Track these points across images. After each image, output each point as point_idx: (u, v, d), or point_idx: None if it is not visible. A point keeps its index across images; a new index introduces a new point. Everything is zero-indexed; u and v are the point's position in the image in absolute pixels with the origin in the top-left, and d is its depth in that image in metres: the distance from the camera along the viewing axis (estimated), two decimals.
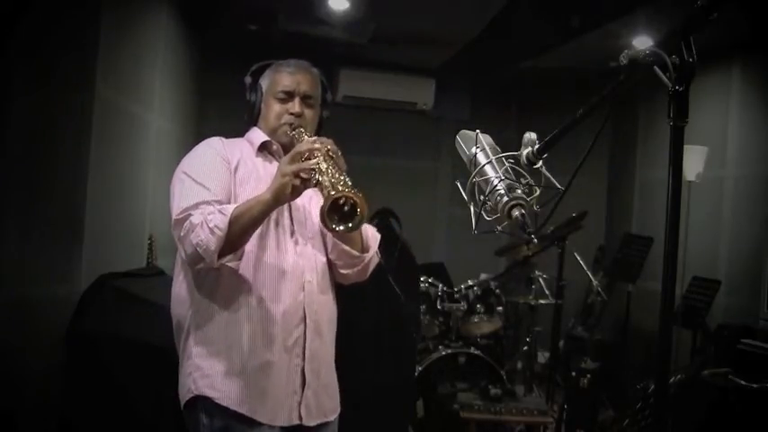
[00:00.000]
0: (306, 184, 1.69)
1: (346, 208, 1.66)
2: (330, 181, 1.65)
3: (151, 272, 3.43)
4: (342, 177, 1.67)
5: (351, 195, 1.62)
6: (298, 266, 1.85)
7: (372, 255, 1.96)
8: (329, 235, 1.91)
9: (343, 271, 1.95)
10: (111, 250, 3.27)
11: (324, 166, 1.69)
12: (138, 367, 2.55)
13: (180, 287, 1.89)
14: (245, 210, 1.70)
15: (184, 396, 1.83)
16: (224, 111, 4.81)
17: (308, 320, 1.85)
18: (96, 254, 3.02)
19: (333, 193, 1.60)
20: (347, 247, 1.90)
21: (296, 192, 1.69)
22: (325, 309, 1.92)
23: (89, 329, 2.68)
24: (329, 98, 2.08)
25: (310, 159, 1.70)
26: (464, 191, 1.26)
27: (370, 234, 1.98)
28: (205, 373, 1.79)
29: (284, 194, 1.69)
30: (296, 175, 1.67)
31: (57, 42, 2.71)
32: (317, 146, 1.73)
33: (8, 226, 2.54)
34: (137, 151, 3.68)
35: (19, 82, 2.54)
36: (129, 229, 3.63)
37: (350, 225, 1.66)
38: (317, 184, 1.67)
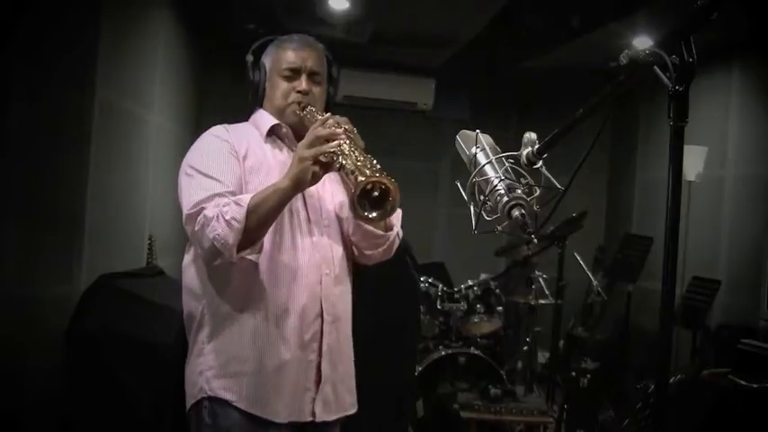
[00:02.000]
0: (327, 168, 1.63)
1: (376, 193, 1.57)
2: (356, 164, 1.56)
3: (151, 272, 3.43)
4: (367, 160, 1.58)
5: (383, 180, 1.54)
6: (314, 259, 1.77)
7: (396, 233, 1.89)
8: (348, 218, 1.85)
9: (367, 252, 1.87)
10: (111, 250, 3.27)
11: (346, 147, 1.60)
12: (138, 367, 2.55)
13: (191, 279, 1.80)
14: (262, 199, 1.62)
15: (195, 395, 1.75)
16: (224, 110, 4.81)
17: (324, 315, 1.77)
18: (96, 254, 3.02)
19: (362, 179, 1.52)
20: (371, 228, 1.81)
21: (316, 177, 1.63)
22: (342, 300, 1.85)
23: (89, 329, 2.68)
24: (335, 73, 1.97)
25: (331, 142, 1.62)
26: (464, 191, 1.26)
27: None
28: (218, 373, 1.72)
29: (304, 181, 1.62)
30: (316, 159, 1.60)
31: (57, 43, 2.71)
32: (337, 129, 1.64)
33: (8, 226, 2.54)
34: (137, 151, 3.68)
35: (19, 82, 2.54)
36: (129, 229, 3.64)
37: (382, 211, 1.58)
38: (341, 168, 1.59)
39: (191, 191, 1.70)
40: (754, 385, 3.24)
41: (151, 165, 3.87)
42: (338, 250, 1.84)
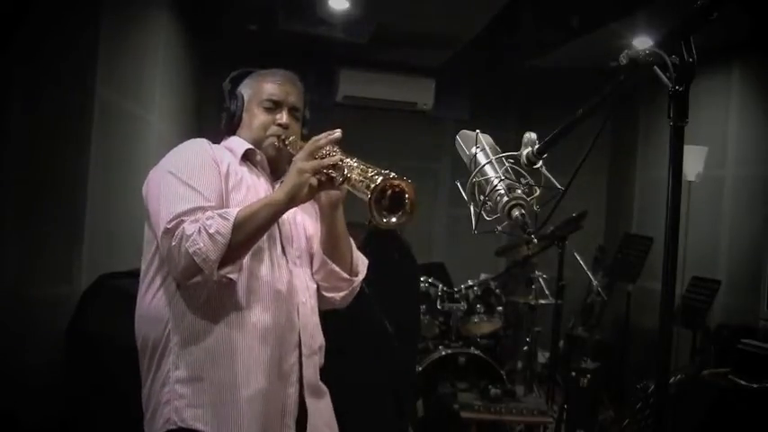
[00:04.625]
0: (325, 184, 1.55)
1: (386, 200, 1.47)
2: (364, 174, 1.48)
3: None
4: (373, 167, 1.50)
5: (398, 182, 1.45)
6: (292, 285, 1.70)
7: (360, 280, 1.82)
8: (317, 253, 1.79)
9: (327, 294, 1.81)
10: (111, 250, 3.27)
11: (349, 160, 1.53)
12: (137, 366, 2.55)
13: (151, 302, 1.68)
14: (251, 213, 1.52)
15: (158, 427, 1.62)
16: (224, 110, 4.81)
17: (302, 347, 1.69)
18: (96, 254, 3.02)
19: (379, 180, 1.43)
20: (337, 268, 1.76)
21: (312, 193, 1.54)
22: (318, 333, 1.77)
23: (89, 329, 2.68)
24: (308, 115, 1.90)
25: (331, 157, 1.54)
26: (464, 191, 1.26)
27: (360, 259, 1.84)
28: (190, 402, 1.59)
29: (300, 195, 1.53)
30: (316, 172, 1.52)
31: (57, 44, 2.71)
32: (336, 136, 1.57)
33: (8, 226, 2.54)
34: (137, 152, 3.68)
35: (19, 82, 2.54)
36: (129, 229, 3.63)
37: (401, 213, 1.48)
38: (345, 181, 1.51)
39: (170, 200, 1.56)
40: (754, 385, 3.24)
41: (151, 165, 3.86)
42: (311, 282, 1.78)
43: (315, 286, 1.80)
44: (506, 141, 1.36)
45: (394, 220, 1.48)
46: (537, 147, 1.24)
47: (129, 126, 3.54)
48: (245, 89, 1.84)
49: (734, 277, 4.58)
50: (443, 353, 4.13)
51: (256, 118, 1.79)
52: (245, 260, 1.61)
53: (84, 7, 2.88)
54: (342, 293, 1.81)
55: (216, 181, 1.63)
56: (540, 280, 4.79)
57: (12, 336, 2.52)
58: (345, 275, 1.78)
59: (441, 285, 4.43)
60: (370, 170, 1.50)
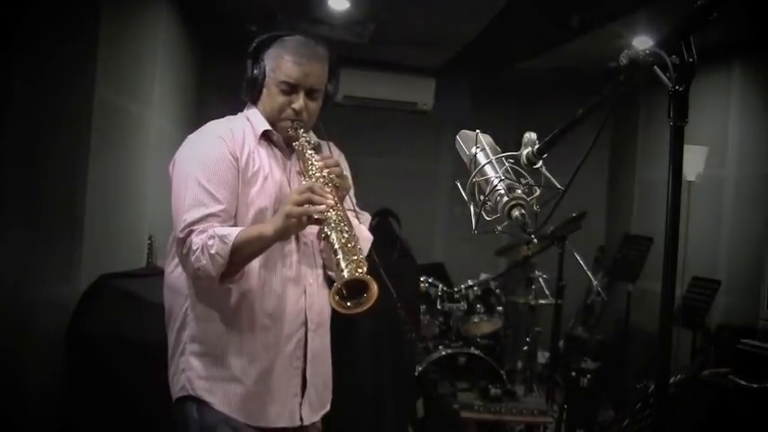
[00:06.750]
0: (312, 221, 1.66)
1: (348, 287, 1.56)
2: (341, 242, 1.58)
3: (151, 272, 3.42)
4: (352, 238, 1.60)
5: (365, 280, 1.53)
6: (301, 270, 1.84)
7: None
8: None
9: (330, 273, 1.91)
10: (111, 250, 3.27)
11: (333, 215, 1.63)
12: (138, 367, 2.55)
13: (176, 278, 1.83)
14: (246, 241, 1.67)
15: (176, 392, 1.81)
16: (224, 108, 4.81)
17: (308, 323, 1.84)
18: (96, 254, 3.02)
19: (346, 274, 1.52)
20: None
21: (300, 229, 1.70)
22: (324, 305, 1.89)
23: (89, 330, 2.68)
24: (336, 75, 1.93)
25: (319, 206, 1.64)
26: (464, 191, 1.26)
27: (364, 235, 1.90)
28: (200, 374, 1.77)
29: (288, 234, 1.71)
30: (302, 217, 1.64)
31: (56, 41, 2.71)
32: (328, 200, 1.65)
33: (8, 226, 2.54)
34: (136, 150, 3.68)
35: (18, 81, 2.54)
36: (129, 229, 3.63)
37: (356, 302, 1.55)
38: (326, 238, 1.63)
39: (186, 203, 1.72)
40: (754, 385, 3.24)
41: (151, 163, 3.87)
42: (319, 258, 1.91)
43: (322, 262, 1.91)
44: (506, 141, 1.36)
45: (349, 304, 1.55)
46: (537, 147, 1.24)
47: (128, 123, 3.53)
48: (268, 60, 1.85)
49: (734, 277, 4.58)
50: (443, 353, 4.13)
51: (273, 99, 1.84)
52: None
53: (84, 4, 2.88)
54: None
55: (233, 182, 1.76)
56: (540, 280, 4.78)
57: (11, 336, 2.52)
58: None
59: (441, 285, 4.42)
60: (345, 238, 1.59)
